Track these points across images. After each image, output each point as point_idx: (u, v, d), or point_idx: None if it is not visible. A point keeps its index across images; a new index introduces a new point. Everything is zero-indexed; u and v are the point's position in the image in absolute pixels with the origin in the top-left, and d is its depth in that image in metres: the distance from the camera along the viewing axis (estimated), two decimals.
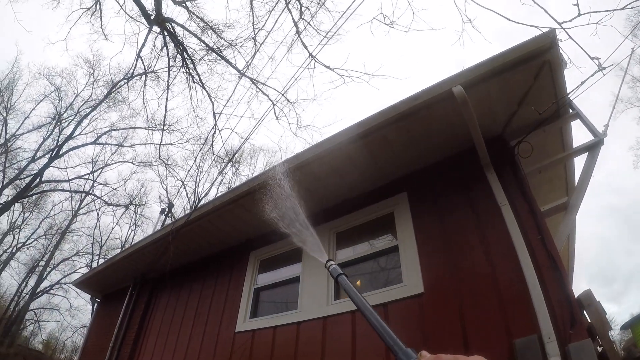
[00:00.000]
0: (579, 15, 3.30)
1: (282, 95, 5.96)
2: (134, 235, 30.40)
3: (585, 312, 3.13)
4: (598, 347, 2.91)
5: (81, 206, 30.00)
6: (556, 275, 3.18)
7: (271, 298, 4.92)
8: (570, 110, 4.02)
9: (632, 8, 3.43)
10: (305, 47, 5.77)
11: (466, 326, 3.21)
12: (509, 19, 3.91)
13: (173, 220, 9.62)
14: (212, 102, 6.56)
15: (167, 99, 8.35)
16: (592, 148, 3.87)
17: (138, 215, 30.31)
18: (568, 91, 3.89)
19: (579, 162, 4.08)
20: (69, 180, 25.29)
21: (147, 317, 7.01)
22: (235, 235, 5.69)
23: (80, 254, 30.36)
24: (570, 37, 3.53)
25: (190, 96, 9.29)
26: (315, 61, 4.77)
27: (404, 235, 3.94)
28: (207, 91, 8.27)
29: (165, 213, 13.03)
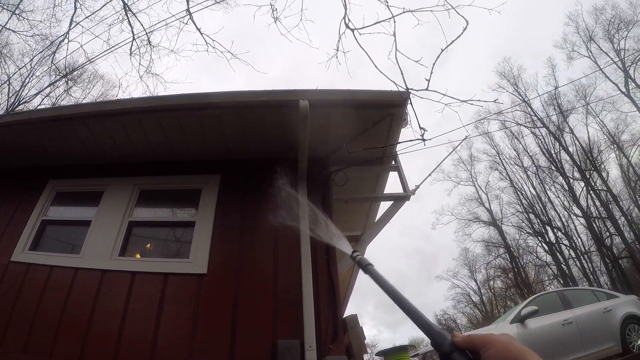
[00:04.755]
0: (427, 89, 3.82)
1: (147, 33, 5.47)
2: None
3: (348, 332, 3.64)
4: None
5: None
6: (331, 294, 3.61)
7: (58, 235, 4.50)
8: (393, 162, 4.64)
9: (471, 104, 4.02)
10: None
11: (238, 315, 3.42)
12: (376, 67, 4.31)
13: None
14: (76, 9, 5.60)
15: None
16: (398, 200, 4.52)
17: None
18: (396, 147, 4.50)
19: (385, 206, 4.69)
20: None
21: None
22: (40, 156, 4.97)
23: None
24: (410, 104, 4.01)
25: None
26: (190, 17, 4.55)
27: (204, 214, 4.02)
28: None
29: None
